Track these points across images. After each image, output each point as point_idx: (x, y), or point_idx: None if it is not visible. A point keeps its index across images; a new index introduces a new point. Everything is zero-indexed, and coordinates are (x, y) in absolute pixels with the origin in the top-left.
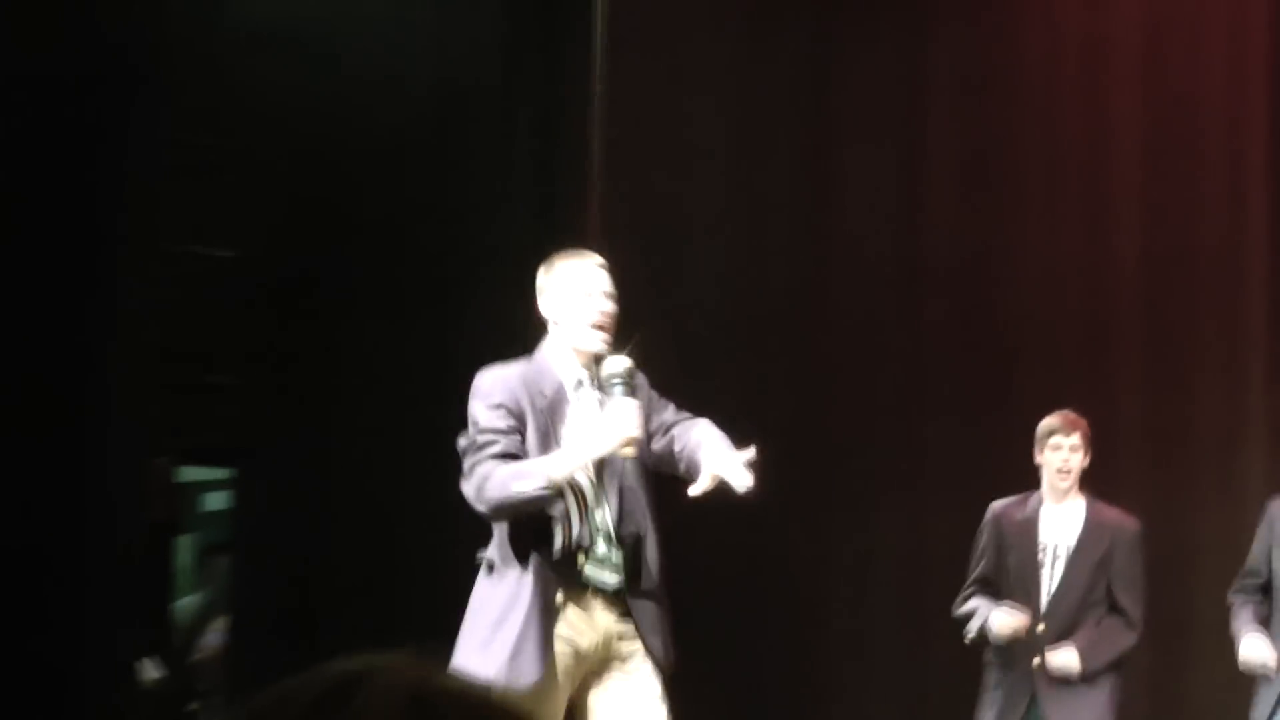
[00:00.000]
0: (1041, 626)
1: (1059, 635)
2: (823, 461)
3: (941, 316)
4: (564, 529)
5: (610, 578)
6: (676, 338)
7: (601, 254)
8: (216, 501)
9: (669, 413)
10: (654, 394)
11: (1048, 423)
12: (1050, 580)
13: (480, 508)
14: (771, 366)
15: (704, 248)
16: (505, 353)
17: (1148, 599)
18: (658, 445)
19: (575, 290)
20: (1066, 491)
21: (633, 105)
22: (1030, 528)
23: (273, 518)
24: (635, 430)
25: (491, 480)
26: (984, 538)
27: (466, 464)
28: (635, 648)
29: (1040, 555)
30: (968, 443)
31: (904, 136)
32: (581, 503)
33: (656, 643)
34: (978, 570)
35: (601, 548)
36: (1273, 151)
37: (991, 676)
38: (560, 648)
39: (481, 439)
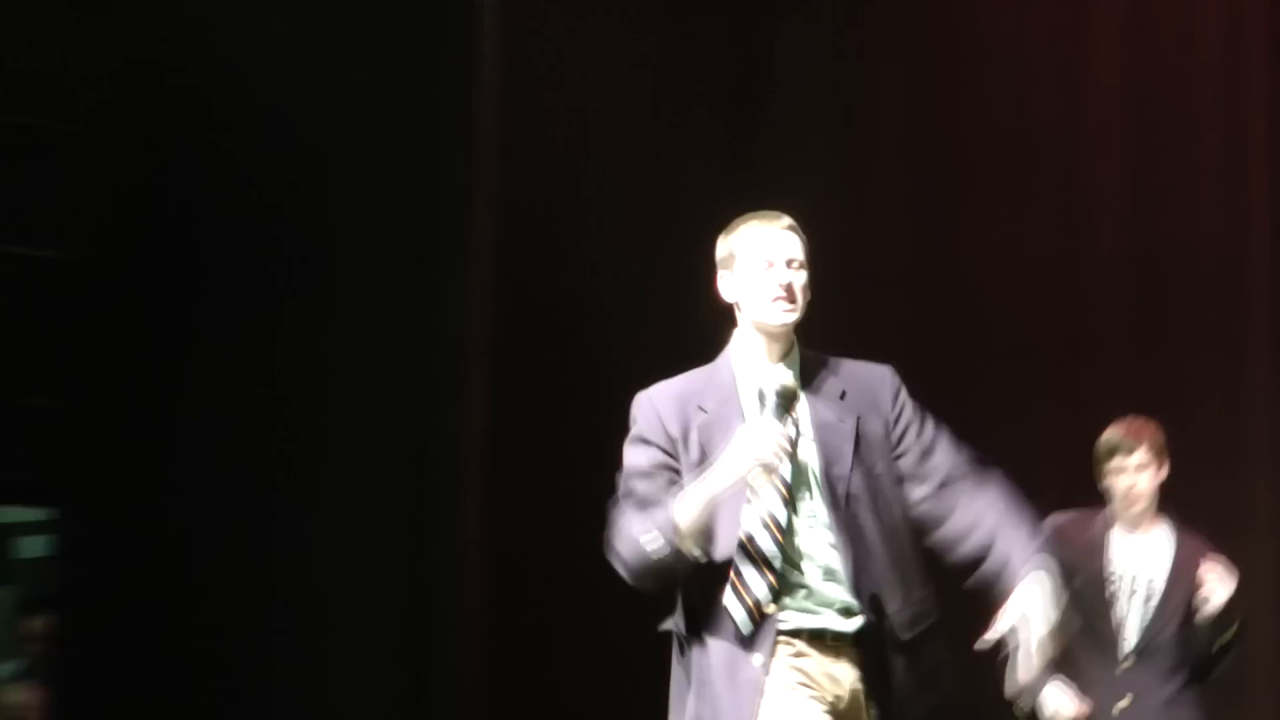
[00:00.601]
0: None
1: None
2: None
3: (888, 312)
4: (744, 572)
5: (824, 620)
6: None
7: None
8: (33, 548)
9: (943, 457)
10: (913, 421)
11: (1107, 438)
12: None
13: (622, 574)
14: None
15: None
16: (377, 370)
17: None
18: (916, 499)
19: (755, 260)
20: (1140, 518)
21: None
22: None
23: (102, 568)
24: (767, 456)
25: (621, 538)
26: None
27: (609, 520)
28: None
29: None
30: None
31: (844, 124)
32: (775, 532)
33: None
34: None
35: (812, 590)
36: (1275, 125)
37: None
38: (797, 703)
39: (624, 485)
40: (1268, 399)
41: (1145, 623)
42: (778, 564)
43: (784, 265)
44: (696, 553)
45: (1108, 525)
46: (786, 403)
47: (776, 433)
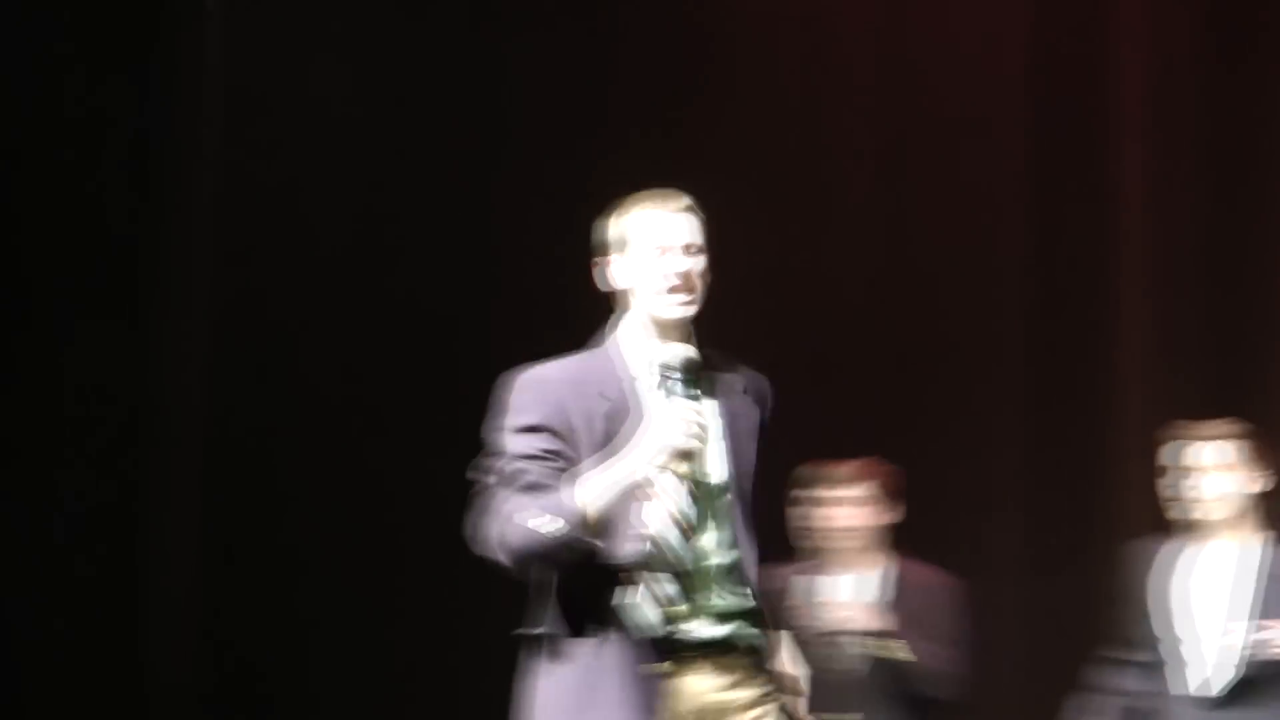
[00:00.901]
0: None
1: None
2: None
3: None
4: (654, 573)
5: (735, 630)
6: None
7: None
8: None
9: None
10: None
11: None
12: None
13: (503, 560)
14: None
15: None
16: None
17: None
18: None
19: (646, 245)
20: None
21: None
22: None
23: None
24: (682, 440)
25: (513, 521)
26: None
27: (480, 504)
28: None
29: None
30: None
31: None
32: (684, 530)
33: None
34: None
35: (717, 591)
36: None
37: None
38: None
39: (509, 468)
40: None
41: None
42: (689, 564)
43: (680, 251)
44: (597, 543)
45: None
46: (692, 376)
47: (689, 411)
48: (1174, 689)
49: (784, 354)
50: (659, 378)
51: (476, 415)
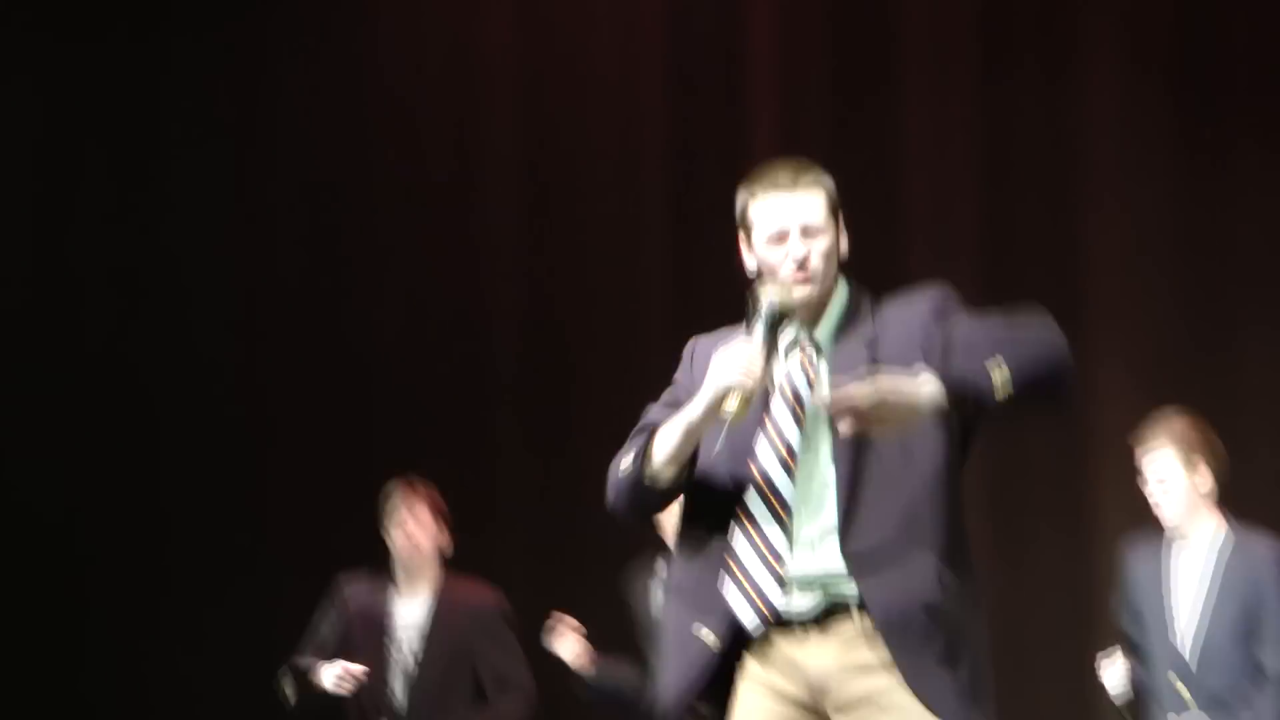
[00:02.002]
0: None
1: None
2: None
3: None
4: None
5: (810, 602)
6: None
7: None
8: None
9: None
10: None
11: None
12: None
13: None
14: None
15: None
16: None
17: None
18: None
19: (762, 232)
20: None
21: None
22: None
23: None
24: (734, 377)
25: (611, 465)
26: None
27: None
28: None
29: None
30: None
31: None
32: (770, 498)
33: (925, 686)
34: None
35: (807, 558)
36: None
37: None
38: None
39: (639, 424)
40: None
41: None
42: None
43: (797, 235)
44: (661, 483)
45: None
46: (774, 321)
47: (754, 352)
48: (1159, 680)
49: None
50: (750, 316)
51: None
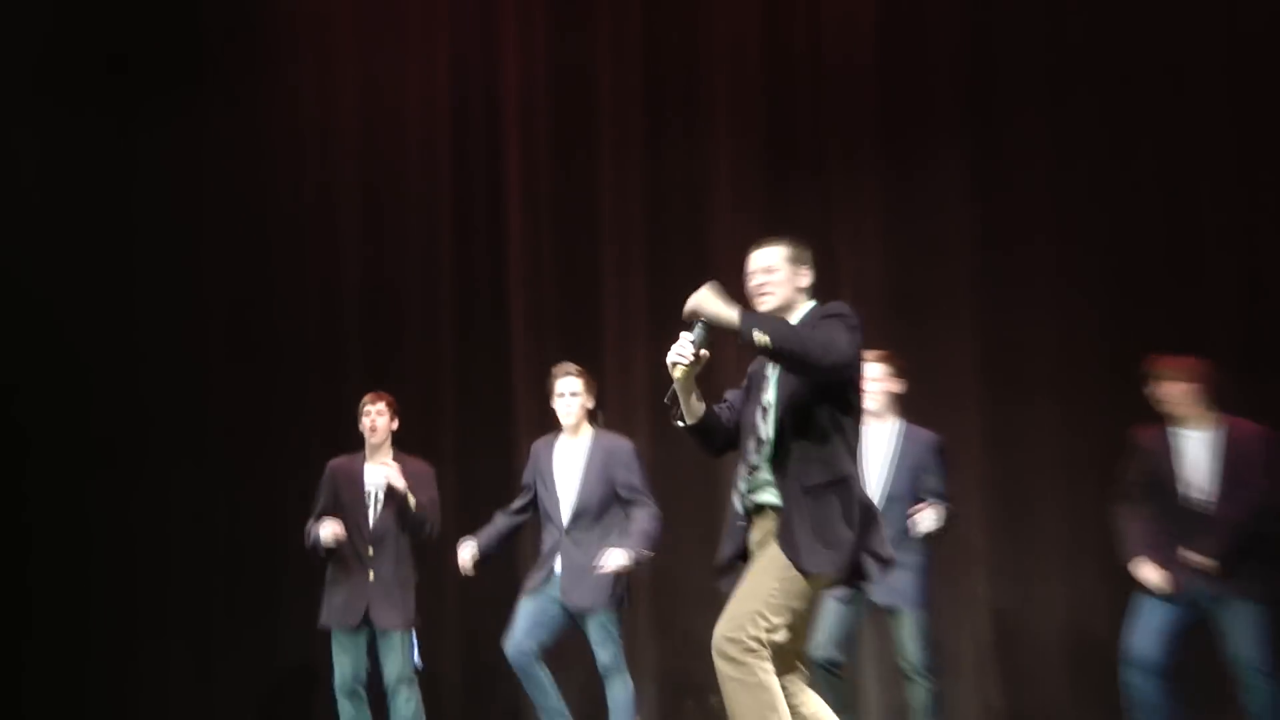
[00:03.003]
0: None
1: None
2: None
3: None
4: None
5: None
6: None
7: None
8: None
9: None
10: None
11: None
12: None
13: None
14: None
15: None
16: None
17: None
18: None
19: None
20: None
21: None
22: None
23: None
24: (675, 358)
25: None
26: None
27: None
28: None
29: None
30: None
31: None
32: (749, 437)
33: (787, 541)
34: None
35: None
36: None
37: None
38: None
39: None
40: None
41: None
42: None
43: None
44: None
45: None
46: (699, 325)
47: (685, 344)
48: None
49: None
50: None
51: None
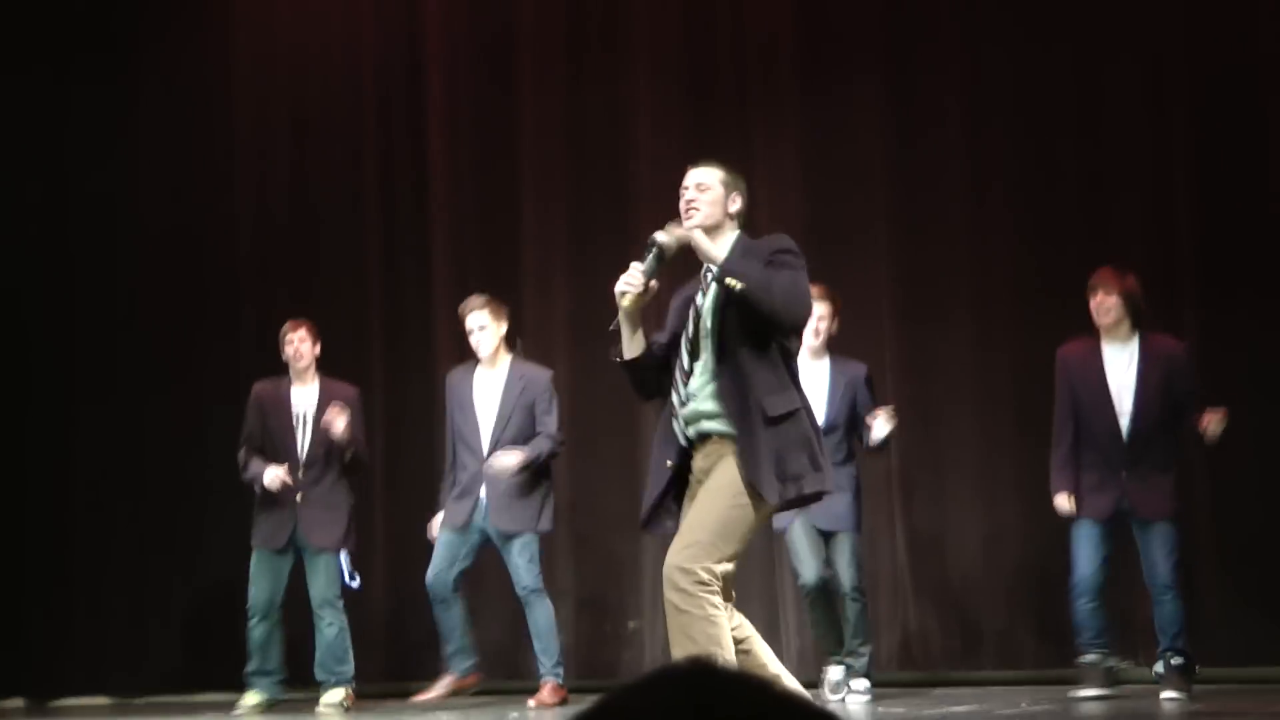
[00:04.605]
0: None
1: None
2: None
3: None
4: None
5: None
6: None
7: None
8: None
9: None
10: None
11: None
12: None
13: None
14: None
15: None
16: None
17: None
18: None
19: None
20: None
21: None
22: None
23: None
24: (623, 286)
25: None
26: None
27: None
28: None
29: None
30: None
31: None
32: (679, 367)
33: (744, 461)
34: None
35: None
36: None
37: None
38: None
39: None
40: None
41: None
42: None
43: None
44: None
45: None
46: (655, 252)
47: (635, 272)
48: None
49: None
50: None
51: None
